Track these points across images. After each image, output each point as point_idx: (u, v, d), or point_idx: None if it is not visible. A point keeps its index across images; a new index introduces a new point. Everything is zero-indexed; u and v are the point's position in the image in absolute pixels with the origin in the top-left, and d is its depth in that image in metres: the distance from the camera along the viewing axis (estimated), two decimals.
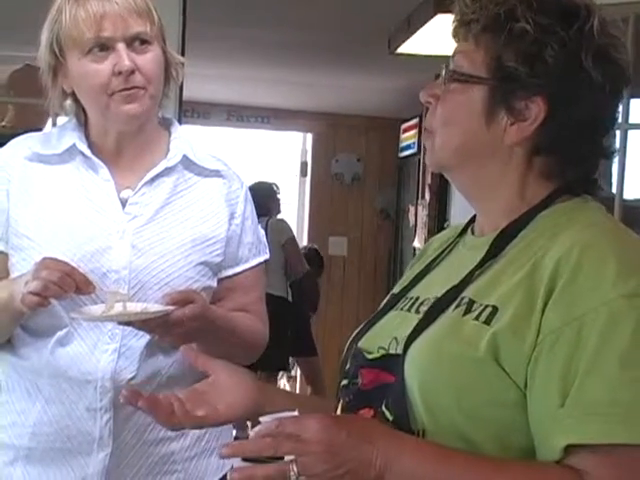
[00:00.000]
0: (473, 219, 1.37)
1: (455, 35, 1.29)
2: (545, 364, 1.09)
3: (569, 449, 1.07)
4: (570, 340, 1.08)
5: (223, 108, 8.37)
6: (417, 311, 1.28)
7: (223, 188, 1.85)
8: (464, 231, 1.38)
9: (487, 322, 1.14)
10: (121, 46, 1.69)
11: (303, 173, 8.74)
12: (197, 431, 1.81)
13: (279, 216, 6.41)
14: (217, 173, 1.86)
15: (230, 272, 1.86)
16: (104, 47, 1.70)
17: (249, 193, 1.91)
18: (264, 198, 6.17)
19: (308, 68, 6.60)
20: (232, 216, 1.84)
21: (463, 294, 1.21)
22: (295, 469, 1.05)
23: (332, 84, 7.13)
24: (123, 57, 1.69)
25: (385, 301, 1.38)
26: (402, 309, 1.32)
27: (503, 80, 1.21)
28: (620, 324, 1.07)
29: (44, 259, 1.63)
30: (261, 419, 1.15)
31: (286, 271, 6.11)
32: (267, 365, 5.52)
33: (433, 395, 1.14)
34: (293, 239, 6.27)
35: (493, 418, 1.13)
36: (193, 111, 7.96)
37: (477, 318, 1.15)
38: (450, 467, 1.08)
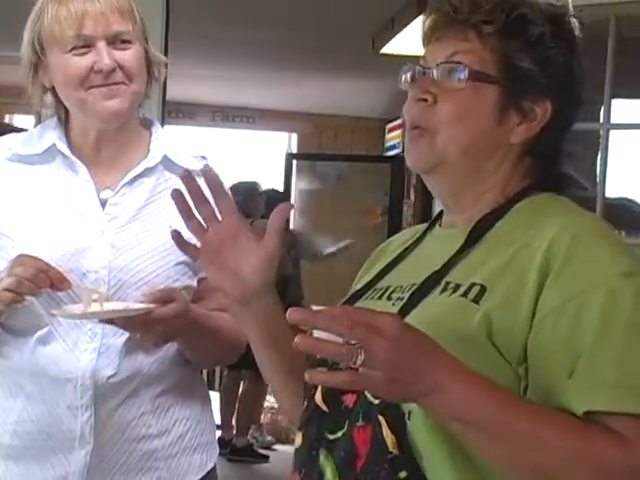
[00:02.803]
0: (437, 217, 1.40)
1: (441, 31, 1.29)
2: (548, 340, 1.12)
3: (586, 418, 1.08)
4: (572, 316, 1.11)
5: (208, 108, 8.38)
6: (389, 298, 1.29)
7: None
8: (430, 227, 1.40)
9: (475, 300, 1.16)
10: (102, 44, 1.70)
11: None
12: (180, 429, 1.82)
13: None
14: (198, 173, 1.86)
15: None
16: (85, 45, 1.70)
17: (230, 192, 1.91)
18: (244, 198, 6.17)
19: (293, 69, 6.61)
20: None
21: (447, 279, 1.22)
22: (362, 355, 1.01)
23: (317, 85, 7.14)
24: (103, 55, 1.69)
25: (347, 296, 1.38)
26: (371, 298, 1.33)
27: (515, 80, 1.25)
28: (620, 298, 1.11)
29: (19, 256, 1.63)
30: (313, 307, 1.08)
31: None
32: (251, 364, 5.54)
33: None
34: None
35: None
36: (178, 111, 7.96)
37: (464, 295, 1.18)
38: (500, 406, 1.07)
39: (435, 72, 1.27)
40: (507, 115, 1.26)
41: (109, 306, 1.63)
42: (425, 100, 1.27)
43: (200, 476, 1.88)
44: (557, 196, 1.30)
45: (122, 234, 1.76)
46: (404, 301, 1.24)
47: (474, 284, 1.18)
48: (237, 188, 6.38)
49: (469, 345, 1.14)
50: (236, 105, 8.42)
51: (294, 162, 8.40)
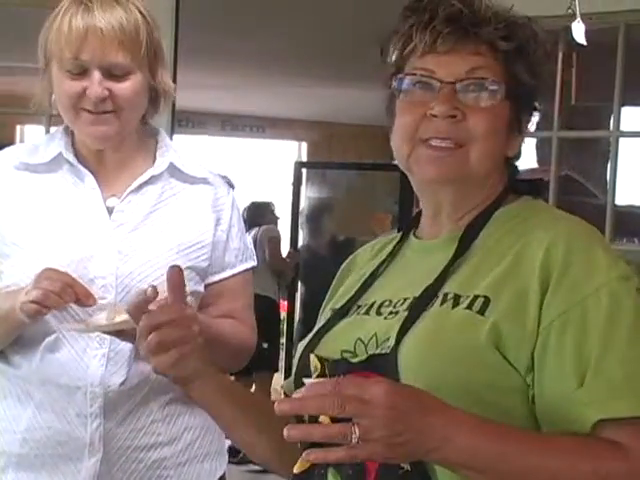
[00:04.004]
0: (407, 229, 1.40)
1: (451, 44, 1.27)
2: (554, 349, 1.13)
3: (597, 426, 1.09)
4: (576, 324, 1.13)
5: (218, 117, 8.41)
6: (378, 312, 1.28)
7: (209, 195, 1.86)
8: (403, 239, 1.40)
9: (481, 312, 1.16)
10: (96, 72, 1.70)
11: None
12: (189, 437, 1.82)
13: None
14: (204, 180, 1.87)
15: (217, 277, 1.86)
16: (80, 70, 1.70)
17: (236, 200, 1.92)
18: (258, 216, 6.81)
19: (303, 78, 6.63)
20: (218, 222, 1.85)
21: (445, 290, 1.22)
22: (357, 431, 1.00)
23: (327, 93, 7.15)
24: (94, 84, 1.69)
25: (328, 316, 1.37)
26: (358, 314, 1.31)
27: (520, 94, 1.29)
28: (622, 303, 1.14)
29: (46, 269, 1.64)
30: (305, 380, 1.10)
31: (276, 273, 6.49)
32: (261, 366, 5.58)
33: (433, 387, 1.13)
34: (275, 238, 6.74)
35: (494, 403, 1.15)
36: (188, 121, 7.98)
37: (469, 308, 1.18)
38: (505, 444, 1.08)
39: (459, 87, 1.26)
40: (514, 128, 1.29)
41: (118, 318, 1.64)
42: (454, 116, 1.26)
43: None
44: (534, 200, 1.32)
45: (129, 241, 1.77)
46: (404, 315, 1.24)
47: (477, 296, 1.18)
48: (252, 207, 6.89)
49: (479, 356, 1.15)
50: (246, 114, 8.44)
51: (303, 171, 8.42)
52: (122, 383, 1.73)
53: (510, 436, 1.10)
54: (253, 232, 6.57)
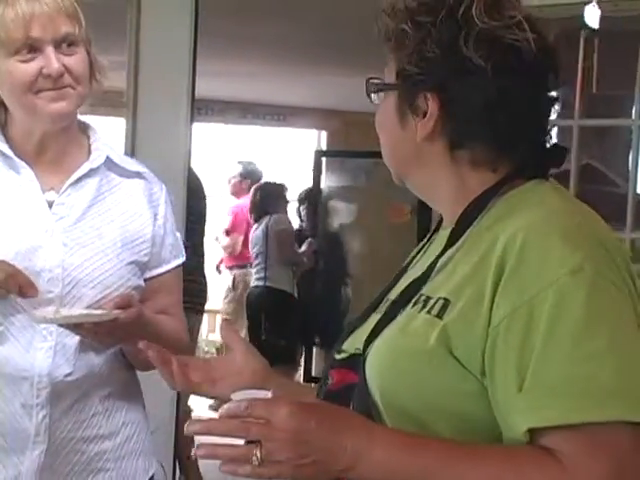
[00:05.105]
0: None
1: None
2: (501, 351, 1.10)
3: (534, 432, 1.07)
4: (522, 324, 1.09)
5: (238, 106, 8.40)
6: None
7: (145, 190, 1.88)
8: (437, 228, 1.39)
9: (439, 315, 1.15)
10: (50, 49, 1.70)
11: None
12: (126, 431, 1.84)
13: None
14: (138, 175, 1.89)
15: (155, 272, 1.88)
16: (32, 48, 1.70)
17: (169, 195, 1.93)
18: (268, 199, 6.54)
19: (323, 66, 6.61)
20: (155, 217, 1.87)
21: (423, 290, 1.21)
22: (258, 454, 1.04)
23: (347, 82, 7.12)
24: (52, 60, 1.69)
25: (367, 306, 1.38)
26: (379, 312, 1.32)
27: (403, 83, 1.26)
28: (568, 302, 1.08)
29: None
30: (232, 396, 1.14)
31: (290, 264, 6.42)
32: (281, 359, 5.59)
33: (390, 392, 1.15)
34: (287, 230, 6.60)
35: (452, 408, 1.13)
36: (208, 109, 7.98)
37: (429, 312, 1.16)
38: (423, 457, 1.08)
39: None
40: (406, 117, 1.27)
41: (75, 311, 1.66)
42: None
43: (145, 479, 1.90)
44: (540, 184, 1.26)
45: (72, 233, 1.77)
46: (381, 315, 1.24)
47: (439, 298, 1.17)
48: (264, 187, 6.58)
49: (431, 360, 1.13)
50: (266, 103, 8.44)
51: (323, 159, 8.40)
52: (69, 374, 1.73)
53: (430, 449, 1.08)
54: (263, 222, 6.48)
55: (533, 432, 1.07)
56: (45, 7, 1.68)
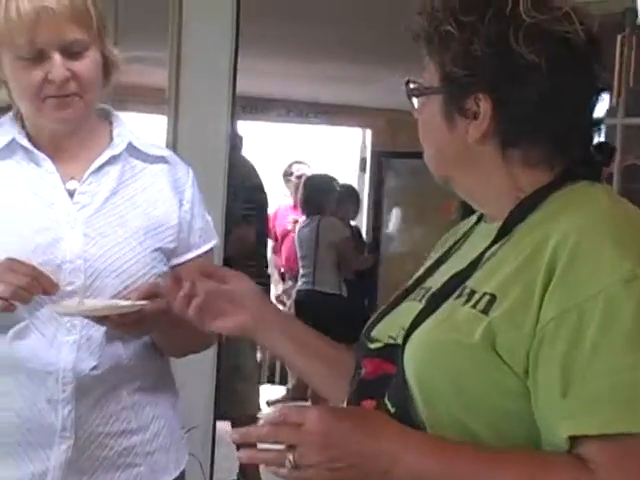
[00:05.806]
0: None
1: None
2: (546, 352, 1.09)
3: (575, 439, 1.06)
4: (570, 329, 1.08)
5: (282, 104, 8.40)
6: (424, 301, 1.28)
7: (169, 174, 1.84)
8: (479, 220, 1.37)
9: (485, 311, 1.14)
10: (56, 55, 1.65)
11: (362, 169, 8.74)
12: (156, 426, 1.82)
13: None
14: (162, 159, 1.85)
15: (183, 259, 1.85)
16: (37, 54, 1.64)
17: (194, 178, 1.89)
18: (318, 193, 6.22)
19: (367, 65, 6.60)
20: (181, 202, 1.84)
21: (467, 282, 1.20)
22: (291, 458, 1.06)
23: (391, 80, 7.10)
24: (57, 66, 1.65)
25: (398, 293, 1.37)
26: (414, 299, 1.31)
27: (449, 86, 1.24)
28: (619, 310, 1.07)
29: (8, 261, 1.62)
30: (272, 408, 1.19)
31: (339, 268, 6.20)
32: None
33: (429, 385, 1.14)
34: (348, 239, 6.33)
35: (491, 406, 1.12)
36: (252, 107, 7.99)
37: (474, 306, 1.15)
38: (456, 462, 1.08)
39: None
40: (454, 121, 1.25)
41: (99, 303, 1.65)
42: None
43: (176, 474, 1.88)
44: (590, 185, 1.24)
45: (94, 223, 1.75)
46: (422, 306, 1.23)
47: (485, 294, 1.16)
48: (312, 181, 6.39)
49: (472, 356, 1.12)
50: (310, 101, 8.43)
51: (382, 160, 8.42)
52: (94, 368, 1.71)
53: (459, 454, 1.09)
54: (314, 222, 6.17)
55: (573, 439, 1.06)
56: (51, 12, 1.61)
